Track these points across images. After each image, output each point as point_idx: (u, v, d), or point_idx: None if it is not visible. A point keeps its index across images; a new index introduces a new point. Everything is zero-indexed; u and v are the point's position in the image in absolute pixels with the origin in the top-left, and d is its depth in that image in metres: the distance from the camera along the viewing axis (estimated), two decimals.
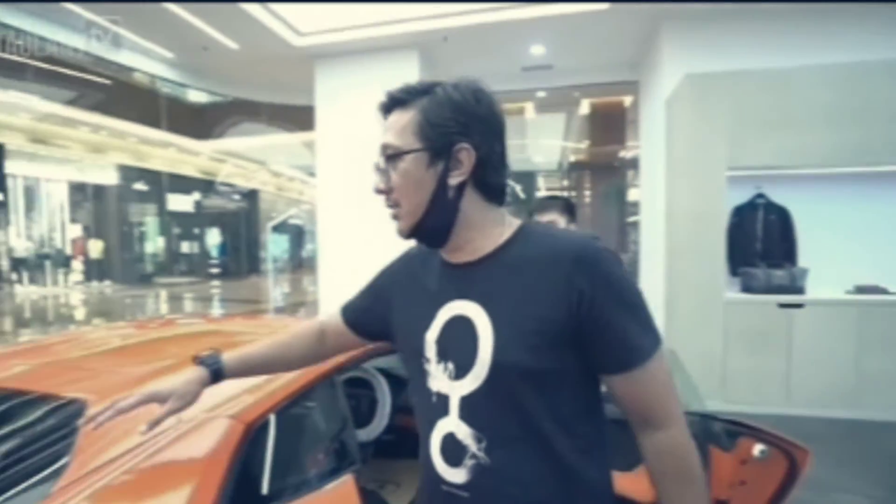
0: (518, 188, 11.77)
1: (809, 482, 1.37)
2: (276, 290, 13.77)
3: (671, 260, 4.04)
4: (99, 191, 14.01)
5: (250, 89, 5.88)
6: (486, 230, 0.69)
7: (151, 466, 0.78)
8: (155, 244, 15.78)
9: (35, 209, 13.09)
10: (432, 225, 0.68)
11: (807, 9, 3.82)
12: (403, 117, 0.67)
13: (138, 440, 0.79)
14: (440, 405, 0.69)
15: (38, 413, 0.92)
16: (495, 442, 0.65)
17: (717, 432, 1.60)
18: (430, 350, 0.70)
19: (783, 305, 3.43)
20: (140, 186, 14.77)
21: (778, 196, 3.67)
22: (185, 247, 16.37)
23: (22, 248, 12.59)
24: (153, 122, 11.06)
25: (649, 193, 4.99)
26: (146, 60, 5.56)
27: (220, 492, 0.75)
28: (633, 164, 7.00)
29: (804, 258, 3.61)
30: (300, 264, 20.17)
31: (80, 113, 10.06)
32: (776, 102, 3.38)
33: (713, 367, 3.43)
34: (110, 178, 13.74)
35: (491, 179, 0.68)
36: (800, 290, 3.47)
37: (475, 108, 0.67)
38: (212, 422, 0.88)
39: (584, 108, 9.47)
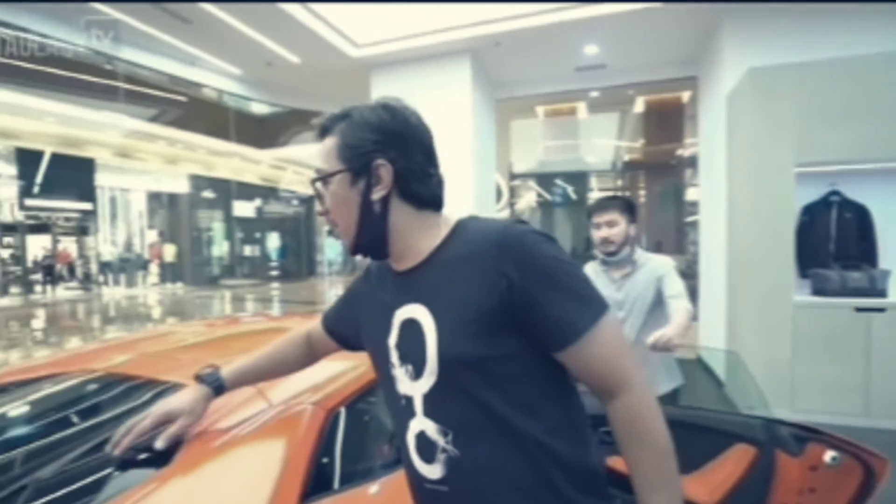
0: (569, 189, 11.59)
1: (889, 496, 1.29)
2: (331, 291, 14.30)
3: (733, 261, 3.87)
4: (172, 199, 15.13)
5: (310, 100, 6.20)
6: (422, 236, 0.71)
7: (248, 447, 0.85)
8: (220, 248, 16.78)
9: (118, 217, 14.34)
10: (367, 239, 0.71)
11: None
12: (328, 143, 0.71)
13: (234, 421, 0.87)
14: (408, 407, 0.71)
15: (148, 395, 1.02)
16: (459, 433, 0.67)
17: (784, 437, 1.55)
18: (393, 355, 0.73)
19: (861, 309, 3.21)
20: (208, 194, 15.80)
21: (853, 193, 3.44)
22: (248, 250, 17.29)
23: (108, 252, 13.83)
24: (220, 134, 11.84)
25: (709, 192, 4.80)
26: (217, 77, 5.99)
27: (306, 473, 0.81)
28: (692, 162, 6.73)
29: (885, 260, 3.36)
30: (354, 267, 20.79)
31: (159, 128, 10.98)
32: (849, 93, 3.16)
33: (780, 373, 3.25)
34: (182, 187, 14.82)
35: (415, 189, 0.70)
36: (881, 294, 3.23)
37: (390, 124, 0.70)
38: (297, 408, 0.95)
39: (639, 106, 9.20)
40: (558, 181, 11.44)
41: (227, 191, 15.78)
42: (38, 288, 12.24)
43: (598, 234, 1.85)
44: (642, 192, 10.65)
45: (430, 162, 0.72)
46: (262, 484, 0.76)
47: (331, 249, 19.62)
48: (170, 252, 14.91)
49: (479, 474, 0.67)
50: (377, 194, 0.69)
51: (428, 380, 0.68)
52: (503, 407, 0.65)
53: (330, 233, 19.70)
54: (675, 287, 1.77)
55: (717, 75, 4.24)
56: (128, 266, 14.23)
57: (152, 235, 14.94)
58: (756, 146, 3.40)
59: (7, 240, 12.05)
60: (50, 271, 12.59)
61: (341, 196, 0.70)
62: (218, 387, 0.87)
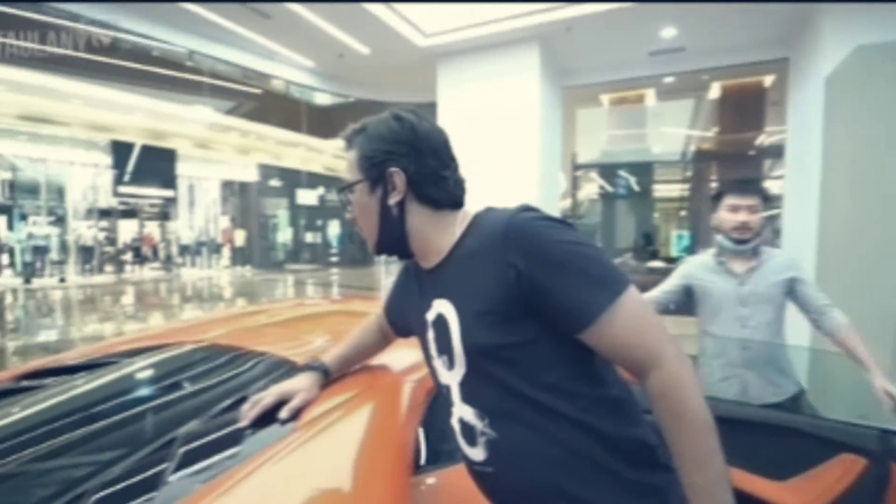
0: (633, 180, 11.12)
1: None
2: (386, 279, 14.62)
3: (825, 259, 3.57)
4: (243, 187, 16.01)
5: (378, 90, 6.32)
6: (441, 234, 0.75)
7: (362, 418, 0.89)
8: (284, 234, 17.59)
9: (195, 204, 15.38)
10: (388, 241, 0.77)
11: None
12: (350, 156, 0.78)
13: (346, 396, 0.92)
14: (448, 395, 0.77)
15: (261, 367, 1.07)
16: (494, 417, 0.71)
17: None
18: (432, 348, 0.78)
19: None
20: (275, 183, 16.57)
21: None
22: (310, 237, 18.01)
23: (186, 236, 14.89)
24: (288, 125, 12.36)
25: (798, 184, 4.44)
26: (291, 70, 6.24)
27: (413, 446, 0.85)
28: (773, 151, 6.24)
29: None
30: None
31: (234, 120, 11.63)
32: None
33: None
34: (252, 175, 15.63)
35: (430, 192, 0.74)
36: None
37: (399, 134, 0.74)
38: (401, 385, 1.00)
39: (714, 91, 8.63)
40: (621, 172, 11.00)
41: (293, 180, 16.48)
42: (128, 268, 13.40)
43: (733, 218, 1.68)
44: (713, 185, 10.04)
45: (443, 165, 0.76)
46: (383, 452, 0.81)
47: None
48: (240, 237, 15.83)
49: (518, 455, 0.69)
50: (393, 199, 0.74)
51: (459, 370, 0.73)
52: (531, 390, 0.67)
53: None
54: (821, 294, 1.64)
55: (815, 56, 3.90)
56: (203, 249, 15.26)
57: (225, 221, 15.91)
58: (861, 133, 3.10)
59: (102, 223, 13.24)
60: (138, 253, 13.74)
61: (362, 203, 0.77)
62: (324, 372, 0.94)
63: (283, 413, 0.85)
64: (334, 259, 18.04)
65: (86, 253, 12.72)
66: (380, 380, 1.02)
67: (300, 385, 0.89)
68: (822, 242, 3.72)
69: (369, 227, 0.78)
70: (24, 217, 11.93)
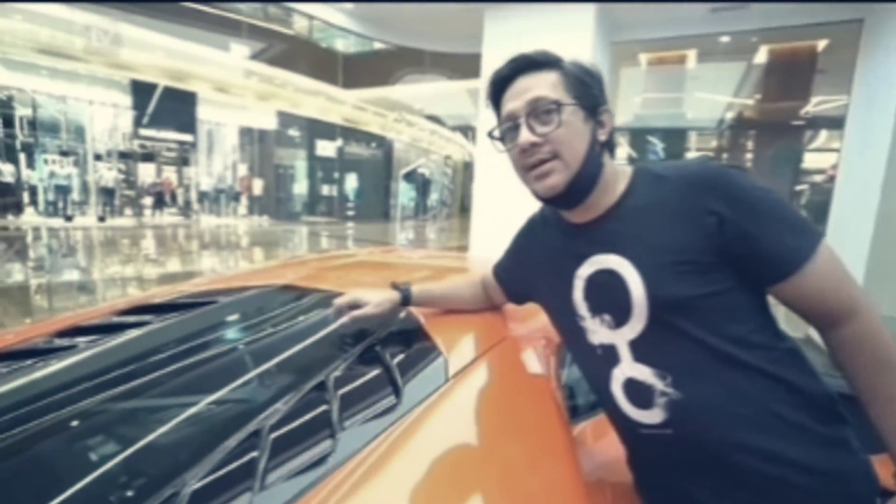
0: (660, 147, 10.81)
1: None
2: (401, 234, 14.63)
3: (881, 256, 3.43)
4: (261, 135, 15.79)
5: (418, 38, 6.03)
6: (612, 185, 0.73)
7: (505, 373, 0.88)
8: (301, 186, 17.50)
9: (214, 150, 15.23)
10: (586, 176, 0.71)
11: None
12: (549, 77, 0.71)
13: (486, 347, 0.90)
14: (608, 356, 0.72)
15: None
16: (680, 375, 0.67)
17: None
18: (582, 308, 0.74)
19: None
20: (293, 132, 16.32)
21: None
22: (326, 189, 17.92)
23: (205, 183, 14.85)
24: (310, 73, 12.01)
25: (857, 162, 4.24)
26: (328, 10, 5.95)
27: (557, 401, 0.84)
28: (819, 122, 5.95)
29: None
30: (424, 211, 21.07)
31: (254, 64, 11.29)
32: None
33: None
34: (271, 123, 15.36)
35: (613, 141, 0.75)
36: None
37: (598, 75, 0.74)
38: (537, 342, 0.99)
39: (761, 56, 8.18)
40: (651, 138, 10.67)
41: (311, 130, 16.21)
42: (147, 212, 13.46)
43: None
44: (749, 156, 9.71)
45: None
46: (543, 403, 0.80)
47: (403, 195, 19.93)
48: (258, 186, 15.77)
49: (706, 413, 0.66)
50: (601, 137, 0.73)
51: (635, 326, 0.69)
52: (723, 344, 0.65)
53: (407, 177, 19.84)
54: None
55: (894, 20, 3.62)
56: (221, 197, 15.25)
57: (243, 169, 15.80)
58: None
59: (121, 166, 13.19)
60: (160, 197, 13.75)
61: (575, 127, 0.70)
62: (406, 296, 0.95)
63: (345, 318, 0.92)
64: (350, 213, 18.00)
65: (106, 194, 12.76)
66: (518, 338, 0.99)
67: (374, 298, 0.92)
68: (879, 230, 3.58)
69: (573, 154, 0.70)
70: (44, 153, 11.89)
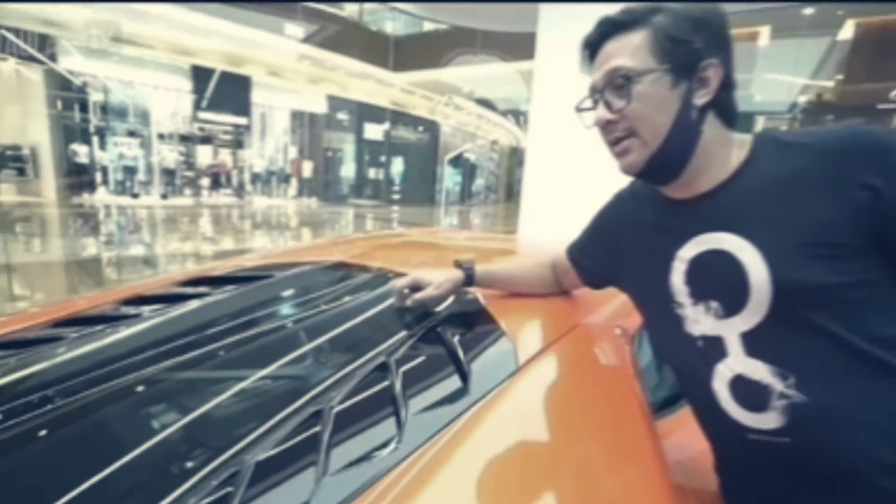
0: None
1: None
2: (445, 219, 14.63)
3: None
4: (311, 119, 16.12)
5: (472, 17, 5.88)
6: (721, 156, 0.63)
7: (580, 363, 0.82)
8: (348, 169, 17.80)
9: (266, 133, 15.70)
10: (672, 152, 0.62)
11: None
12: (633, 39, 0.62)
13: (554, 336, 0.83)
14: (711, 348, 0.63)
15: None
16: (807, 376, 0.58)
17: None
18: (681, 294, 0.66)
19: None
20: (342, 115, 16.55)
21: None
22: (372, 173, 18.14)
23: (258, 165, 15.37)
24: (360, 56, 12.07)
25: None
26: None
27: (639, 395, 0.76)
28: None
29: None
30: (470, 197, 20.98)
31: (307, 48, 11.48)
32: None
33: None
34: (321, 107, 15.63)
35: (730, 101, 0.63)
36: None
37: (716, 22, 0.61)
38: (612, 330, 0.91)
39: (846, 31, 7.43)
40: None
41: (359, 113, 16.39)
42: (205, 192, 14.11)
43: None
44: None
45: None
46: (623, 397, 0.74)
47: (449, 180, 19.88)
48: (307, 168, 16.16)
49: (837, 423, 0.57)
50: (701, 99, 0.61)
51: (751, 316, 0.59)
52: (865, 343, 0.56)
53: (452, 162, 19.86)
54: None
55: None
56: (273, 179, 15.76)
57: (293, 152, 16.22)
58: None
59: (181, 148, 13.85)
60: (216, 179, 14.38)
61: (655, 97, 0.61)
62: (469, 276, 0.91)
63: (408, 301, 0.88)
64: (395, 197, 18.16)
65: (168, 175, 13.47)
66: (591, 325, 0.91)
67: (433, 278, 0.88)
68: None
69: (653, 129, 0.62)
70: (114, 136, 12.64)
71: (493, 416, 0.64)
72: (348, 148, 17.49)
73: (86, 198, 11.67)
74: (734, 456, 0.69)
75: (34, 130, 11.43)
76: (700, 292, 0.64)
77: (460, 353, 0.75)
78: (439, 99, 15.72)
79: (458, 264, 0.93)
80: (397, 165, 18.50)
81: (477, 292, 0.97)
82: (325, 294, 1.07)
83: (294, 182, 16.11)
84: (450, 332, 0.82)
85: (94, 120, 12.23)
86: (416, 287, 0.89)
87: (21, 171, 11.61)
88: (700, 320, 0.65)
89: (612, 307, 1.01)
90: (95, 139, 12.26)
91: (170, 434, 0.63)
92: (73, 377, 0.76)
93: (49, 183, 11.43)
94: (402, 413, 0.62)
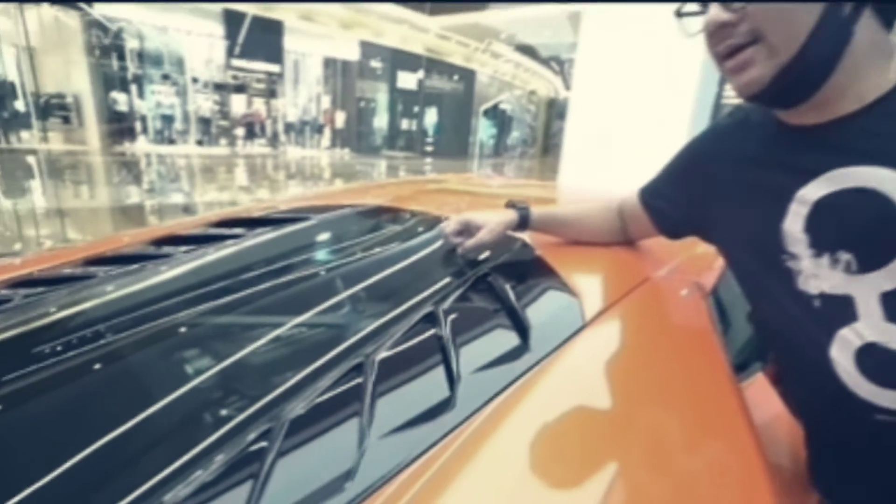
0: None
1: None
2: (479, 172, 14.32)
3: None
4: (344, 66, 15.74)
5: None
6: (874, 68, 0.49)
7: (655, 321, 0.72)
8: (381, 120, 17.50)
9: (299, 82, 15.47)
10: (811, 64, 0.48)
11: None
12: None
13: (623, 290, 0.73)
14: (834, 310, 0.52)
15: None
16: None
17: None
18: (796, 243, 0.54)
19: None
20: (375, 63, 16.09)
21: None
22: (405, 124, 17.79)
23: (291, 114, 15.27)
24: None
25: None
26: None
27: (723, 359, 0.66)
28: None
29: None
30: (505, 150, 20.40)
31: None
32: None
33: None
34: (353, 54, 15.20)
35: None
36: None
37: None
38: (687, 285, 0.80)
39: None
40: None
41: (393, 61, 15.89)
42: (239, 142, 14.20)
43: None
44: None
45: None
46: (706, 361, 0.64)
47: (483, 132, 19.31)
48: (340, 118, 15.97)
49: None
50: None
51: None
52: None
53: (487, 113, 19.22)
54: None
55: None
56: (306, 129, 15.68)
57: (326, 102, 16.00)
58: None
59: (215, 97, 13.85)
60: (249, 128, 14.41)
61: None
62: (524, 217, 0.82)
63: (459, 250, 0.81)
64: (428, 148, 17.84)
65: (204, 124, 13.58)
66: (663, 279, 0.80)
67: (485, 221, 0.80)
68: None
69: (786, 33, 0.48)
70: (151, 84, 12.73)
71: (558, 378, 0.55)
72: (381, 97, 17.11)
73: (127, 146, 11.94)
74: (848, 436, 0.58)
75: (75, 78, 11.61)
76: (825, 241, 0.52)
77: (517, 306, 0.66)
78: (476, 45, 14.98)
79: (511, 205, 0.84)
80: (431, 116, 18.04)
81: (530, 239, 0.87)
82: (365, 239, 1.00)
83: (327, 132, 15.99)
84: (503, 282, 0.72)
85: (132, 68, 12.30)
86: (465, 231, 0.82)
87: (66, 120, 11.94)
88: (820, 275, 0.53)
89: (684, 259, 0.89)
90: (133, 87, 12.38)
91: (202, 382, 0.59)
92: (104, 318, 0.72)
93: (92, 131, 11.72)
94: (454, 369, 0.54)
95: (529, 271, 0.78)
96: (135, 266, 0.91)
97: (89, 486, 0.45)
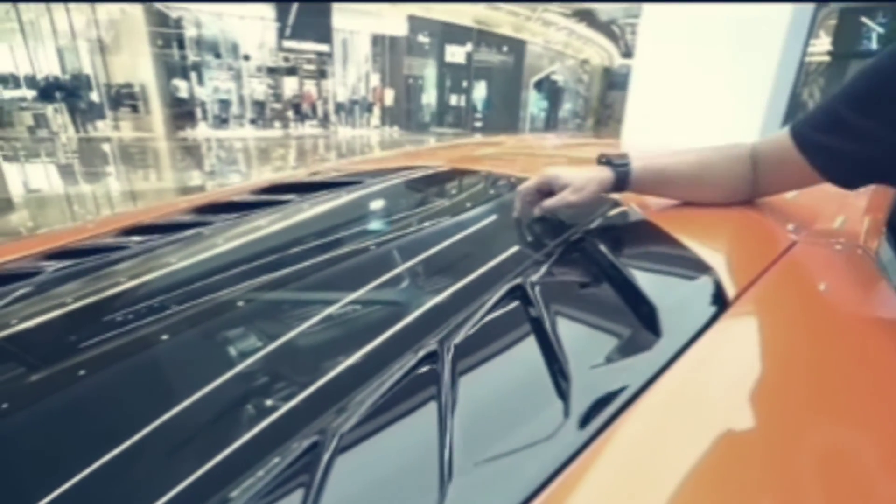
0: (875, 33, 8.15)
1: None
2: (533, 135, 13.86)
3: None
4: (392, 43, 15.57)
5: None
6: None
7: (816, 296, 0.55)
8: (429, 96, 17.27)
9: (348, 61, 15.48)
10: None
11: None
12: None
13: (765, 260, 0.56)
14: None
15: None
16: None
17: None
18: None
19: None
20: (423, 38, 15.80)
21: None
22: (454, 99, 17.47)
23: (341, 94, 15.37)
24: None
25: None
26: None
27: None
28: None
29: None
30: (557, 123, 19.67)
31: None
32: None
33: None
34: (401, 29, 14.98)
35: None
36: None
37: None
38: (845, 248, 0.62)
39: None
40: (867, 20, 8.07)
41: (441, 36, 15.54)
42: (292, 124, 14.49)
43: None
44: None
45: None
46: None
47: (534, 104, 18.64)
48: (389, 96, 15.90)
49: None
50: None
51: None
52: None
53: (538, 86, 18.71)
54: None
55: None
56: (356, 108, 15.75)
57: (375, 80, 15.95)
58: None
59: (268, 81, 14.14)
60: (298, 110, 14.66)
61: None
62: (623, 175, 0.66)
63: (536, 210, 0.68)
64: (478, 124, 17.48)
65: (258, 107, 13.94)
66: (793, 237, 0.61)
67: (573, 179, 0.65)
68: None
69: None
70: (208, 70, 13.16)
71: (703, 376, 0.40)
72: (430, 73, 16.84)
73: (189, 132, 12.48)
74: None
75: (141, 68, 12.20)
76: None
77: (632, 280, 0.51)
78: (526, 13, 14.31)
79: (604, 160, 0.68)
80: (480, 90, 17.58)
81: (632, 202, 0.71)
82: (432, 205, 0.87)
83: (376, 111, 15.99)
84: (606, 251, 0.57)
85: (191, 55, 12.74)
86: (547, 191, 0.67)
87: (134, 108, 12.62)
88: None
89: (831, 218, 0.70)
90: (193, 74, 12.85)
91: (257, 361, 0.49)
92: (154, 291, 0.66)
93: (158, 118, 12.33)
94: (561, 364, 0.41)
95: (638, 238, 0.63)
96: (185, 233, 0.83)
97: (157, 461, 0.39)
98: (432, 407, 0.37)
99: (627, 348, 0.43)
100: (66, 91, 11.14)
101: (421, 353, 0.44)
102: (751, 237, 0.63)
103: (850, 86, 0.57)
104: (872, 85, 0.56)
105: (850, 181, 0.60)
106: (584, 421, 0.35)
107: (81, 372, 0.50)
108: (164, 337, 0.55)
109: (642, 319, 0.46)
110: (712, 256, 0.55)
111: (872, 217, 0.71)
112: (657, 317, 0.45)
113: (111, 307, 0.61)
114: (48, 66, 11.60)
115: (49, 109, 10.93)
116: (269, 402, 0.43)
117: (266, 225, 0.83)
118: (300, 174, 1.16)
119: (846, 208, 0.72)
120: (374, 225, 0.83)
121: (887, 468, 0.35)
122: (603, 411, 0.35)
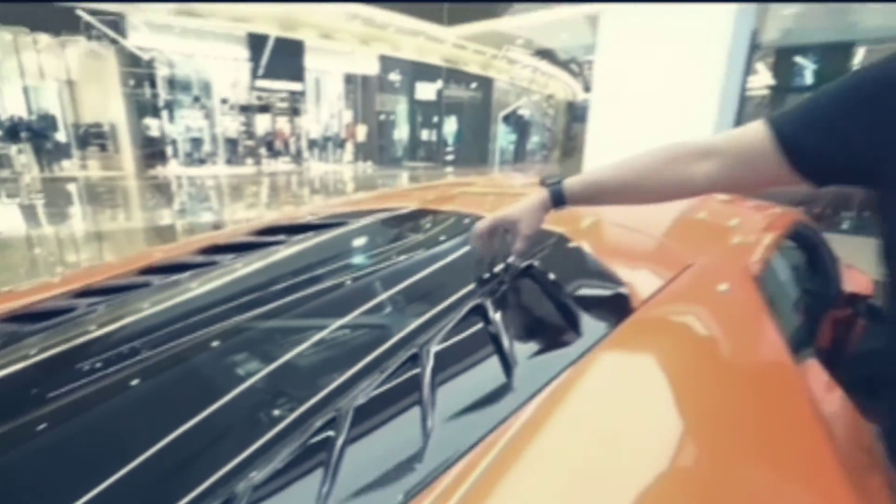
0: (809, 70, 8.96)
1: None
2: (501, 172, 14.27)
3: None
4: (364, 81, 16.03)
5: None
6: None
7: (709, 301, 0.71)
8: (401, 132, 17.68)
9: (321, 98, 15.82)
10: None
11: None
12: None
13: (663, 280, 0.71)
14: None
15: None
16: None
17: None
18: None
19: None
20: (394, 76, 16.32)
21: None
22: (425, 134, 17.93)
23: (314, 131, 15.62)
24: (412, 11, 11.71)
25: None
26: None
27: (784, 346, 0.64)
28: None
29: None
30: (525, 155, 20.36)
31: (359, 6, 11.28)
32: None
33: None
34: (373, 68, 15.47)
35: None
36: None
37: None
38: (730, 270, 0.79)
39: None
40: (800, 58, 8.85)
41: (411, 73, 16.08)
42: (264, 160, 14.58)
43: None
44: None
45: None
46: (767, 347, 0.63)
47: (502, 138, 19.30)
48: (362, 132, 16.23)
49: None
50: None
51: None
52: None
53: (506, 119, 19.22)
54: None
55: None
56: (329, 144, 15.99)
57: (348, 116, 16.30)
58: None
59: (241, 118, 14.28)
60: (270, 146, 14.80)
61: None
62: (557, 193, 0.72)
63: (511, 258, 0.76)
64: (449, 158, 17.93)
65: (230, 145, 14.01)
66: (705, 265, 0.78)
67: (521, 213, 0.73)
68: None
69: None
70: (180, 109, 13.22)
71: (610, 363, 0.55)
72: (401, 109, 17.31)
73: (159, 170, 12.41)
74: None
75: (111, 107, 12.17)
76: None
77: (563, 296, 0.66)
78: (492, 52, 15.04)
79: (542, 182, 0.76)
80: (450, 125, 18.14)
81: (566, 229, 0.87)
82: (405, 241, 1.01)
83: (349, 147, 16.27)
84: (547, 274, 0.73)
85: (163, 94, 12.81)
86: (497, 232, 0.77)
87: (103, 147, 12.51)
88: None
89: (727, 246, 0.87)
90: (164, 113, 12.89)
91: (263, 379, 0.61)
92: (169, 322, 0.76)
93: (127, 156, 12.23)
94: (508, 356, 0.55)
95: (570, 262, 0.78)
96: (188, 274, 0.94)
97: (170, 473, 0.48)
98: (416, 394, 0.50)
99: (556, 343, 0.57)
100: (31, 131, 11.01)
101: (408, 354, 0.57)
102: (656, 260, 0.79)
103: (835, 87, 0.57)
104: (857, 87, 0.56)
105: (824, 180, 0.58)
106: (523, 390, 0.49)
107: (133, 381, 0.60)
108: (188, 358, 0.66)
109: (569, 323, 0.61)
110: (625, 275, 0.71)
111: (770, 234, 0.88)
112: (578, 321, 0.60)
113: (135, 336, 0.72)
114: (13, 107, 11.48)
115: (13, 150, 10.75)
116: (275, 411, 0.55)
117: (265, 263, 0.95)
118: (293, 216, 1.29)
119: (744, 227, 0.88)
120: (360, 261, 0.96)
121: (762, 438, 0.48)
122: (536, 385, 0.50)
